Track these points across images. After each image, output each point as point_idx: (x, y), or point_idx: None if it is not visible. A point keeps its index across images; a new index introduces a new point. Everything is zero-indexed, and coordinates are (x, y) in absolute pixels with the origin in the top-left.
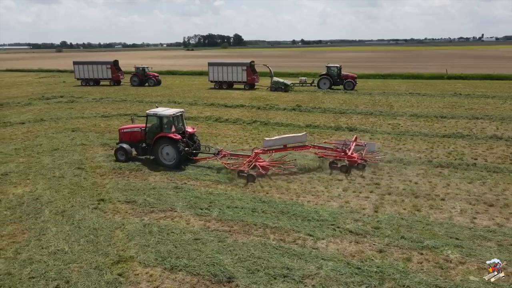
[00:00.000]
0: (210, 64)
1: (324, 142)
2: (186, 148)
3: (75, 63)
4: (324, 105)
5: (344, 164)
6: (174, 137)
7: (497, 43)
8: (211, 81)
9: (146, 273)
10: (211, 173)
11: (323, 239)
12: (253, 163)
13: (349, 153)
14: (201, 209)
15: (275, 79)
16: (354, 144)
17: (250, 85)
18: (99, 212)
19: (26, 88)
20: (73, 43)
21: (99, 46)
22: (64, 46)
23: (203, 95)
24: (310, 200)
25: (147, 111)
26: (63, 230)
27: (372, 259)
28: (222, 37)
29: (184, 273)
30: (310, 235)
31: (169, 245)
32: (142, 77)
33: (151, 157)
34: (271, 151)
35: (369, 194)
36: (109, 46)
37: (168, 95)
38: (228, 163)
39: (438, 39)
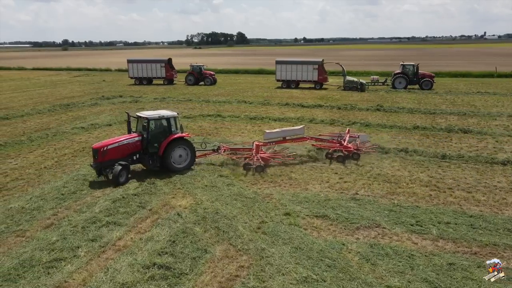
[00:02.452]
0: (278, 62)
1: (319, 135)
2: None
3: (129, 61)
4: (401, 104)
5: (340, 154)
6: (187, 136)
7: (500, 41)
8: (278, 80)
9: None
10: (370, 181)
11: None
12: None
13: (344, 144)
14: (412, 225)
15: (349, 78)
16: (348, 136)
17: (320, 84)
18: (299, 228)
19: (73, 88)
20: (74, 41)
21: (101, 45)
22: (66, 45)
23: (264, 94)
24: (498, 213)
25: (148, 116)
26: (284, 251)
27: None
28: (225, 35)
29: None
30: None
31: (427, 272)
32: (198, 76)
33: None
34: (272, 144)
35: None
36: (111, 44)
37: (227, 94)
38: (237, 157)
39: (440, 37)
